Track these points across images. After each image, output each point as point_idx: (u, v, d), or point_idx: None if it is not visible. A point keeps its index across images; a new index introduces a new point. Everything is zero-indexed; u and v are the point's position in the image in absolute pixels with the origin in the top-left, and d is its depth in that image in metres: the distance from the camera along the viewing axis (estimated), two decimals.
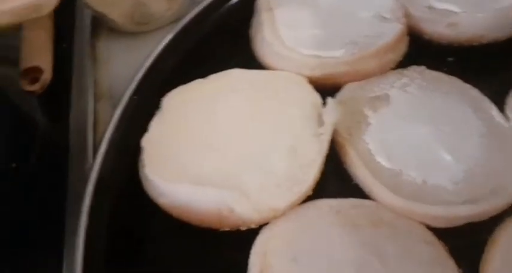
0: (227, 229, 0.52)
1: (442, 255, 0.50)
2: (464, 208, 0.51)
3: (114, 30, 0.81)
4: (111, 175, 0.54)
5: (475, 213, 0.51)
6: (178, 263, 0.53)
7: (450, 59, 0.70)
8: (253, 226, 0.51)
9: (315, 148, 0.55)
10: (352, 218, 0.52)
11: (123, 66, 0.78)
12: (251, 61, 0.68)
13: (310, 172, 0.53)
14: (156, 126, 0.57)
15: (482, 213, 0.51)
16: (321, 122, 0.57)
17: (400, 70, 0.66)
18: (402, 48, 0.66)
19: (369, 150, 0.56)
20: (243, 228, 0.51)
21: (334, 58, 0.63)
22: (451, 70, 0.67)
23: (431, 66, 0.67)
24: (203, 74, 0.63)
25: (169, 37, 0.65)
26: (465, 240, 0.52)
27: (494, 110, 0.60)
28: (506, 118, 0.60)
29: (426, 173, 0.54)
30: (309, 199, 0.55)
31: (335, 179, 0.59)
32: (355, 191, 0.57)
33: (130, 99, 0.58)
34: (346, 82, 0.64)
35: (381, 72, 0.65)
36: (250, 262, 0.49)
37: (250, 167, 0.53)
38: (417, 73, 0.65)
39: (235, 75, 0.63)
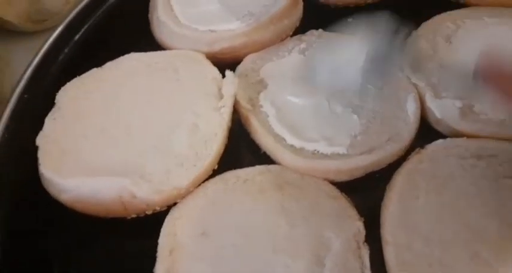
0: (134, 216, 0.51)
1: (345, 207, 0.51)
2: (362, 158, 0.53)
3: (14, 32, 0.78)
4: (7, 177, 0.52)
5: (373, 161, 0.53)
6: (88, 256, 0.53)
7: (350, 20, 0.72)
8: (158, 208, 0.51)
9: (217, 122, 0.55)
10: (259, 184, 0.53)
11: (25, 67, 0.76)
12: (152, 45, 0.66)
13: (213, 146, 0.53)
14: (51, 122, 0.55)
15: (380, 161, 0.53)
16: (221, 96, 0.57)
17: (298, 36, 0.67)
18: (297, 13, 0.66)
19: (270, 117, 0.57)
20: (149, 212, 0.51)
21: (230, 31, 0.63)
22: (352, 31, 0.68)
23: (332, 29, 0.68)
24: (101, 64, 0.62)
25: (58, 31, 0.62)
26: (367, 192, 0.54)
27: None
28: (401, 68, 0.61)
29: (325, 131, 0.55)
30: (218, 173, 0.55)
31: (247, 151, 0.60)
32: (265, 160, 0.57)
33: (20, 98, 0.56)
34: (246, 55, 0.64)
35: (280, 40, 0.65)
36: (159, 244, 0.49)
37: (150, 151, 0.52)
38: (316, 37, 0.66)
39: (132, 60, 0.61)
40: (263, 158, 0.58)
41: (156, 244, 0.49)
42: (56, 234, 0.53)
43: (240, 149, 0.60)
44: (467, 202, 0.49)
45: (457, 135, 0.55)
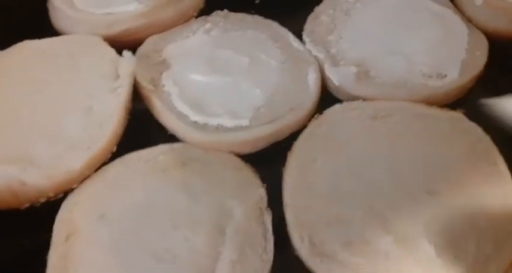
0: (27, 205, 0.49)
1: (249, 176, 0.51)
2: (264, 128, 0.53)
3: None
4: None
5: (275, 131, 0.53)
6: None
7: (257, 2, 0.73)
8: (52, 195, 0.48)
9: (113, 103, 0.53)
10: (161, 163, 0.51)
11: None
12: (52, 33, 0.64)
13: (108, 127, 0.51)
14: None
15: (282, 130, 0.54)
16: (118, 76, 0.56)
17: (204, 17, 0.66)
18: None
19: (173, 96, 0.56)
20: (43, 199, 0.48)
21: (128, 12, 0.61)
22: (258, 12, 0.69)
23: (239, 10, 0.68)
24: None
25: None
26: (272, 162, 0.53)
27: (291, 37, 0.63)
28: (303, 42, 0.63)
29: (228, 105, 0.55)
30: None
31: (155, 134, 0.58)
32: (173, 140, 0.56)
33: None
34: (148, 36, 0.62)
35: (183, 21, 0.64)
36: (54, 231, 0.46)
37: (41, 137, 0.50)
38: (221, 17, 0.66)
39: (25, 47, 0.59)
40: (171, 139, 0.56)
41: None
42: None
43: (149, 132, 0.59)
44: (363, 160, 0.50)
45: (356, 99, 0.56)
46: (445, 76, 0.58)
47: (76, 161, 0.48)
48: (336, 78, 0.57)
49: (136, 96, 0.58)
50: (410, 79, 0.57)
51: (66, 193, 0.49)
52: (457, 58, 0.59)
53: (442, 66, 0.58)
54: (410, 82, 0.57)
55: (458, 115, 0.54)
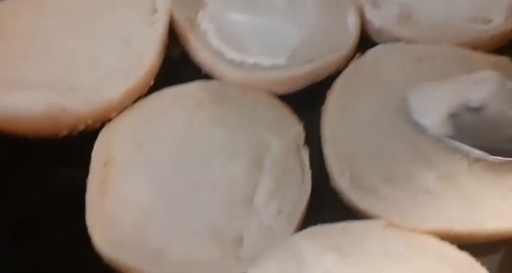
0: (65, 132, 0.49)
1: (285, 114, 0.51)
2: (302, 67, 0.52)
3: None
4: None
5: (312, 70, 0.52)
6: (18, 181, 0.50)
7: None
8: (90, 122, 0.48)
9: (151, 35, 0.53)
10: (197, 99, 0.51)
11: None
12: None
13: (146, 58, 0.51)
14: None
15: (319, 70, 0.53)
16: (155, 11, 0.55)
17: None
18: None
19: (209, 34, 0.55)
20: (81, 127, 0.48)
21: None
22: None
23: None
24: None
25: None
26: (308, 103, 0.52)
27: None
28: None
29: (265, 44, 0.54)
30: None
31: (188, 73, 0.58)
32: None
33: None
34: None
35: None
36: (93, 157, 0.46)
37: (79, 64, 0.50)
38: None
39: None
40: (204, 79, 0.55)
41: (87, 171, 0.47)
42: None
43: (182, 70, 0.58)
44: (403, 101, 0.48)
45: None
46: (490, 21, 0.56)
47: (115, 90, 0.48)
48: (377, 20, 0.55)
49: (171, 40, 0.58)
50: (454, 23, 0.55)
51: (103, 123, 0.50)
52: (502, 4, 0.57)
53: (487, 11, 0.56)
54: (454, 26, 0.55)
55: (504, 60, 0.52)
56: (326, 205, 0.47)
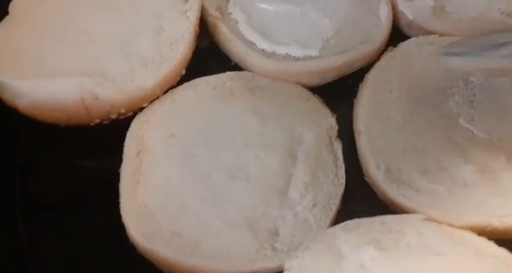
0: (98, 121, 0.48)
1: (318, 106, 0.50)
2: (334, 58, 0.51)
3: None
4: None
5: (344, 62, 0.52)
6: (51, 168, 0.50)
7: None
8: (123, 111, 0.48)
9: (183, 24, 0.52)
10: (229, 89, 0.51)
11: None
12: None
13: (179, 48, 0.50)
14: (4, 30, 0.51)
15: (351, 62, 0.52)
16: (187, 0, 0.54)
17: None
18: None
19: (240, 24, 0.54)
20: (114, 115, 0.48)
21: None
22: None
23: None
24: None
25: None
26: (340, 95, 0.52)
27: None
28: None
29: (296, 34, 0.53)
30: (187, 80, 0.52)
31: (217, 64, 0.57)
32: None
33: None
34: None
35: None
36: (125, 146, 0.46)
37: (113, 52, 0.49)
38: None
39: None
40: (233, 70, 0.55)
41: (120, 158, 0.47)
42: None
43: (210, 61, 0.58)
44: (438, 94, 0.48)
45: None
46: None
47: (148, 79, 0.48)
48: (411, 12, 0.55)
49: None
50: (488, 16, 0.54)
51: (135, 112, 0.49)
52: None
53: None
54: (488, 19, 0.54)
55: None
56: (358, 199, 0.47)
